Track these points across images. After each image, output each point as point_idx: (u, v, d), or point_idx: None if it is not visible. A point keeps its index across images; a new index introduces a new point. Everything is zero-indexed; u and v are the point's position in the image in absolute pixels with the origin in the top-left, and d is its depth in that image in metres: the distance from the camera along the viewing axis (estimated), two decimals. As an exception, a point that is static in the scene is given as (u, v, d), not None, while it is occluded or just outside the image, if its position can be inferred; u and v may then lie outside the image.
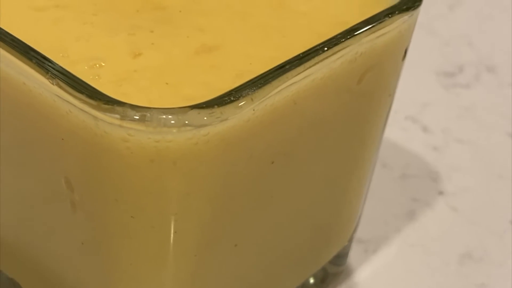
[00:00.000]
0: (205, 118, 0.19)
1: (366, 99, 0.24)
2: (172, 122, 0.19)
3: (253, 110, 0.20)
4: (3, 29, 0.21)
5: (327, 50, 0.21)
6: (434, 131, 0.41)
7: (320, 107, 0.23)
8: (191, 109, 0.19)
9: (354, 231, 0.30)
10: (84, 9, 0.24)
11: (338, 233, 0.29)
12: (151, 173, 0.20)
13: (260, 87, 0.19)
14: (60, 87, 0.19)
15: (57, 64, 0.19)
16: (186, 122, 0.19)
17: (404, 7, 0.24)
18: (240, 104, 0.19)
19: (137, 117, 0.18)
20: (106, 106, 0.18)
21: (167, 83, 0.21)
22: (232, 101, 0.19)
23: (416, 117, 0.42)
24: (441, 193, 0.37)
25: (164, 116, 0.18)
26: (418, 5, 0.24)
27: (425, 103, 0.43)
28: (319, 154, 0.24)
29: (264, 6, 0.25)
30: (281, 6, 0.25)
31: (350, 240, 0.30)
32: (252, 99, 0.19)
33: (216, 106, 0.19)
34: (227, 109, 0.19)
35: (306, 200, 0.25)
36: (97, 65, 0.21)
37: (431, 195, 0.37)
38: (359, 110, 0.25)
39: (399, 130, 0.41)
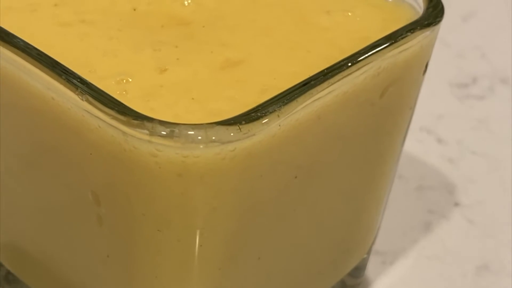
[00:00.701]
0: (232, 134, 0.19)
1: (387, 113, 0.25)
2: (200, 138, 0.19)
3: (279, 125, 0.20)
4: (32, 45, 0.21)
5: (350, 66, 0.21)
6: (449, 142, 0.41)
7: (343, 121, 0.23)
8: (219, 125, 0.19)
9: (373, 243, 0.31)
10: (110, 24, 0.24)
11: (358, 245, 0.29)
12: (179, 188, 0.20)
13: (286, 103, 0.20)
14: (90, 103, 0.19)
15: (87, 80, 0.20)
16: (214, 138, 0.19)
17: (426, 22, 0.24)
18: (266, 120, 0.19)
19: (166, 133, 0.19)
20: (135, 121, 0.19)
21: (193, 98, 0.21)
22: (259, 118, 0.19)
23: (431, 128, 0.42)
24: (457, 204, 0.37)
25: (192, 132, 0.19)
26: (439, 21, 0.24)
27: (439, 115, 0.43)
28: (340, 168, 0.24)
29: (287, 21, 0.25)
30: (304, 21, 0.25)
31: (369, 252, 0.30)
32: (278, 116, 0.19)
33: (243, 122, 0.19)
34: (254, 126, 0.19)
35: (328, 213, 0.25)
36: (124, 81, 0.22)
37: (447, 207, 0.37)
38: (381, 123, 0.25)
39: (414, 141, 0.41)
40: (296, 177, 0.22)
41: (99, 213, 0.22)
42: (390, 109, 0.25)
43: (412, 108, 0.26)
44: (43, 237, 0.26)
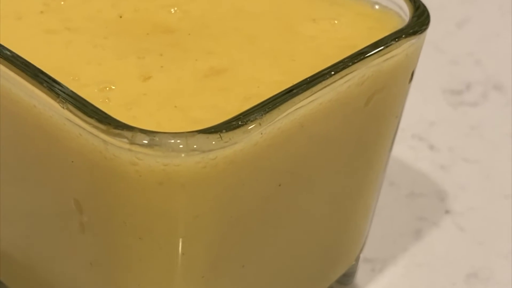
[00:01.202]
0: (213, 142, 0.19)
1: (373, 121, 0.25)
2: (181, 146, 0.19)
3: (261, 133, 0.20)
4: (14, 53, 0.21)
5: (334, 74, 0.21)
6: (441, 149, 0.41)
7: (327, 130, 0.23)
8: (200, 133, 0.19)
9: (361, 250, 0.30)
10: (95, 32, 0.24)
11: (345, 252, 0.29)
12: (160, 196, 0.20)
13: (268, 112, 0.20)
14: (71, 111, 0.19)
15: (68, 88, 0.20)
16: (195, 146, 0.19)
17: (411, 30, 0.24)
18: (248, 129, 0.19)
19: (146, 142, 0.19)
20: (115, 130, 0.19)
21: (176, 106, 0.21)
22: (240, 126, 0.19)
23: (423, 135, 0.42)
24: (448, 212, 0.37)
25: (172, 141, 0.19)
26: (425, 29, 0.24)
27: (432, 121, 0.43)
28: (326, 176, 0.24)
29: (273, 30, 0.25)
30: (289, 30, 0.25)
31: (357, 260, 0.30)
32: (260, 124, 0.19)
33: (224, 131, 0.19)
34: (236, 134, 0.19)
35: (314, 220, 0.25)
36: (107, 88, 0.22)
37: (438, 214, 0.37)
38: (366, 131, 0.25)
39: (406, 148, 0.41)
40: (280, 185, 0.22)
41: (82, 220, 0.22)
42: (375, 117, 0.25)
43: (398, 117, 0.26)
44: (28, 243, 0.26)
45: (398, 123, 0.27)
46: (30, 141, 0.22)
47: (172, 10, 0.25)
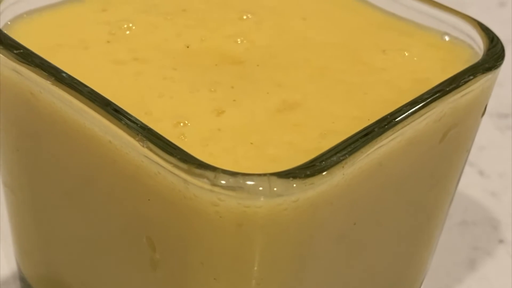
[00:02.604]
0: (295, 185, 0.18)
1: (446, 156, 0.24)
2: (262, 189, 0.18)
3: (343, 174, 0.19)
4: (89, 87, 0.20)
5: (414, 112, 0.21)
6: (491, 175, 0.40)
7: (403, 167, 0.22)
8: (282, 177, 0.18)
9: (422, 282, 0.30)
10: (164, 62, 0.24)
11: (409, 285, 0.28)
12: (239, 237, 0.19)
13: (351, 153, 0.19)
14: (151, 149, 0.19)
15: (148, 127, 0.19)
16: (276, 189, 0.18)
17: (487, 65, 0.23)
18: (331, 171, 0.19)
19: (228, 183, 0.18)
20: (197, 170, 0.18)
21: (251, 143, 0.21)
22: (323, 169, 0.19)
23: (472, 160, 0.41)
24: (501, 241, 0.36)
25: (255, 183, 0.18)
26: (501, 63, 0.24)
27: (481, 146, 0.42)
28: (397, 212, 0.24)
29: (342, 61, 0.25)
30: (359, 61, 0.25)
31: (417, 293, 0.30)
32: (343, 166, 0.19)
33: (308, 173, 0.18)
34: (319, 177, 0.19)
35: (381, 257, 0.25)
36: (182, 124, 0.21)
37: (492, 244, 0.36)
38: (439, 166, 0.24)
39: (456, 174, 0.40)
40: (355, 224, 0.22)
41: (153, 258, 0.21)
42: (448, 153, 0.24)
43: (468, 150, 0.25)
44: (87, 274, 0.25)
45: (467, 156, 0.26)
46: (104, 177, 0.21)
47: (239, 40, 0.25)
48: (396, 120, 0.20)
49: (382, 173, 0.21)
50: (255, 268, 0.20)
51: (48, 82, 0.21)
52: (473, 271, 0.35)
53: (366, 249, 0.23)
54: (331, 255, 0.22)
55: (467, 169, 0.42)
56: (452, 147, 0.24)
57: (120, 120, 0.19)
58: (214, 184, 0.18)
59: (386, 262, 0.25)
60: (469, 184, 0.40)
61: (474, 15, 0.59)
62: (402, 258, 0.26)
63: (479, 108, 0.24)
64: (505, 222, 0.38)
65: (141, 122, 0.19)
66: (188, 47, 0.25)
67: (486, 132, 0.44)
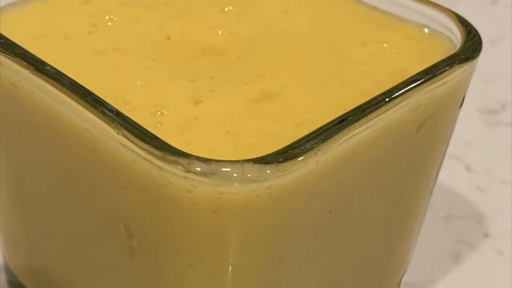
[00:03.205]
0: (268, 171, 0.19)
1: (423, 147, 0.24)
2: (236, 175, 0.18)
3: (316, 162, 0.20)
4: (68, 77, 0.21)
5: (388, 101, 0.21)
6: (478, 170, 0.40)
7: (378, 156, 0.23)
8: (256, 163, 0.19)
9: (403, 275, 0.30)
10: (144, 53, 0.24)
11: (389, 277, 0.28)
12: (213, 224, 0.19)
13: (324, 140, 0.19)
14: (126, 136, 0.19)
15: (123, 113, 0.19)
16: (250, 175, 0.19)
17: (464, 56, 0.23)
18: (303, 158, 0.19)
19: (202, 170, 0.18)
20: (171, 157, 0.18)
21: (227, 132, 0.21)
22: (296, 155, 0.19)
23: (459, 155, 0.41)
24: (486, 235, 0.36)
25: (229, 169, 0.18)
26: (478, 55, 0.24)
27: (468, 142, 0.42)
28: (375, 201, 0.24)
29: (322, 53, 0.25)
30: (338, 53, 0.25)
31: (399, 285, 0.30)
32: (316, 153, 0.19)
33: (280, 160, 0.19)
34: (292, 164, 0.19)
35: (360, 246, 0.25)
36: (159, 113, 0.21)
37: (477, 238, 0.36)
38: (416, 157, 0.24)
39: (443, 168, 0.40)
40: (330, 212, 0.22)
41: (131, 245, 0.21)
42: (425, 143, 0.24)
43: (447, 142, 0.26)
44: (70, 264, 0.26)
45: (446, 147, 0.26)
46: (81, 164, 0.21)
47: (220, 32, 0.25)
48: (370, 108, 0.21)
49: (357, 161, 0.21)
50: (231, 254, 0.20)
51: (27, 71, 0.21)
52: (458, 265, 0.35)
53: (343, 239, 0.23)
54: (307, 244, 0.22)
55: (454, 164, 0.42)
56: (429, 138, 0.24)
57: (96, 108, 0.20)
58: (187, 171, 0.19)
59: (364, 252, 0.25)
60: (456, 178, 0.40)
61: (466, 12, 0.59)
62: (381, 249, 0.26)
63: (456, 99, 0.24)
64: (491, 217, 0.38)
65: (116, 109, 0.19)
66: (169, 38, 0.25)
67: (474, 127, 0.44)
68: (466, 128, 0.44)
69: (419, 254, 0.35)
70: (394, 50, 0.25)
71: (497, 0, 0.59)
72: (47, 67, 0.21)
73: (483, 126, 0.44)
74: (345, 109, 0.22)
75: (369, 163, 0.22)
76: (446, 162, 0.42)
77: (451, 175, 0.40)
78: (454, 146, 0.43)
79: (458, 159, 0.41)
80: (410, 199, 0.26)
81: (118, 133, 0.19)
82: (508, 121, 0.45)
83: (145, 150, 0.19)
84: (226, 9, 0.26)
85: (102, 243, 0.23)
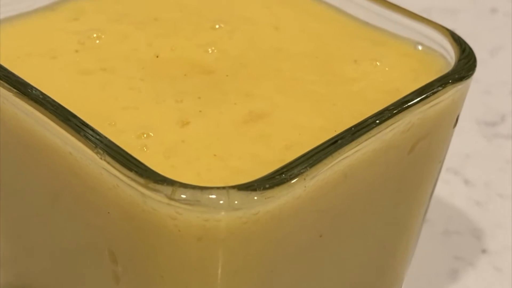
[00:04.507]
0: (255, 198, 0.18)
1: (416, 168, 0.24)
2: (221, 202, 0.18)
3: (305, 187, 0.19)
4: (50, 98, 0.20)
5: (379, 123, 0.21)
6: (476, 184, 0.40)
7: (370, 178, 0.22)
8: (241, 190, 0.18)
9: (398, 294, 0.30)
10: (132, 73, 0.23)
11: (382, 299, 0.28)
12: (198, 251, 0.19)
13: (312, 165, 0.19)
14: (108, 162, 0.19)
15: (106, 138, 0.19)
16: (236, 202, 0.18)
17: (457, 76, 0.23)
18: (291, 183, 0.19)
19: (186, 197, 0.18)
20: (155, 185, 0.18)
21: (215, 155, 0.21)
22: (283, 181, 0.18)
23: (457, 169, 0.41)
24: (484, 251, 0.36)
25: (214, 197, 0.18)
26: (472, 74, 0.23)
27: (466, 154, 0.42)
28: (366, 223, 0.24)
29: (313, 72, 0.24)
30: (330, 71, 0.24)
31: (393, 304, 0.29)
32: (304, 178, 0.19)
33: (267, 186, 0.18)
34: (278, 190, 0.18)
35: (353, 267, 0.24)
36: (145, 135, 0.21)
37: (474, 254, 0.36)
38: (409, 179, 0.24)
39: (440, 182, 0.40)
40: (321, 236, 0.21)
41: (116, 271, 0.21)
42: (418, 164, 0.24)
43: (441, 162, 0.25)
44: (56, 286, 0.25)
45: (441, 167, 0.26)
46: (65, 188, 0.21)
47: (210, 49, 0.25)
48: (360, 131, 0.20)
49: (347, 184, 0.21)
50: (217, 282, 0.20)
51: (10, 93, 0.21)
52: (455, 282, 0.34)
53: (334, 261, 0.23)
54: (297, 268, 0.22)
55: (452, 178, 0.41)
56: (422, 158, 0.24)
57: (78, 132, 0.19)
58: (171, 198, 0.18)
59: (356, 273, 0.25)
60: (454, 193, 0.40)
61: (466, 21, 0.59)
62: (373, 270, 0.26)
63: (450, 119, 0.24)
64: (489, 232, 0.37)
65: (99, 133, 0.19)
66: (157, 56, 0.24)
67: (473, 140, 0.44)
68: (465, 140, 0.44)
69: (415, 271, 0.35)
70: (387, 68, 0.25)
71: (496, 8, 0.58)
72: (30, 90, 0.21)
73: (482, 139, 0.44)
74: (335, 131, 0.21)
75: (360, 186, 0.22)
76: (444, 175, 0.41)
77: (449, 189, 0.40)
78: (452, 159, 0.42)
79: (456, 172, 0.40)
80: (403, 219, 0.25)
81: (101, 158, 0.19)
82: (508, 133, 0.44)
83: (128, 176, 0.18)
84: (217, 26, 0.26)
85: (87, 267, 0.22)
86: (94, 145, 0.19)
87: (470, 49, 0.24)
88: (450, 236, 0.37)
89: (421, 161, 0.24)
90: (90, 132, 0.19)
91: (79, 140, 0.19)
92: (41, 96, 0.20)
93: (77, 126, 0.19)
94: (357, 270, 0.25)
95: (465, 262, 0.36)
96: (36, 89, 0.21)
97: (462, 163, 0.42)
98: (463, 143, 0.45)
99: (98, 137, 0.19)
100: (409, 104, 0.21)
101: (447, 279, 0.35)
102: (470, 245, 0.37)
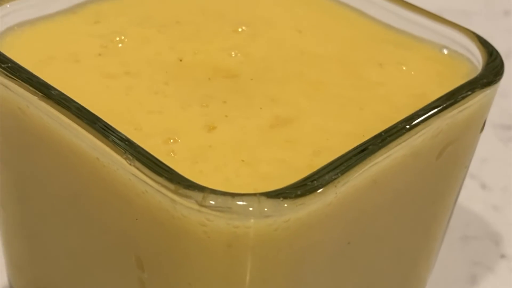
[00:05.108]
0: (286, 205, 0.18)
1: (443, 173, 0.23)
2: (252, 209, 0.18)
3: (335, 193, 0.19)
4: (76, 102, 0.20)
5: (409, 128, 0.20)
6: (494, 188, 0.40)
7: (398, 184, 0.22)
8: (273, 197, 0.18)
9: (419, 300, 0.29)
10: (155, 77, 0.23)
11: (405, 305, 0.28)
12: (228, 258, 0.19)
13: (344, 172, 0.19)
14: (138, 168, 0.18)
15: (136, 144, 0.19)
16: (266, 209, 0.18)
17: (486, 80, 0.23)
18: (322, 190, 0.18)
19: (217, 204, 0.18)
20: (185, 190, 0.18)
21: (243, 160, 0.20)
22: (314, 188, 0.18)
23: (474, 173, 0.40)
24: (503, 256, 0.35)
25: (244, 203, 0.18)
26: (500, 78, 0.23)
27: (483, 159, 0.41)
28: (393, 229, 0.23)
29: (338, 75, 0.24)
30: (355, 75, 0.24)
31: (415, 310, 0.29)
32: (335, 185, 0.18)
33: (298, 193, 0.18)
34: (310, 197, 0.18)
35: (378, 274, 0.24)
36: (172, 140, 0.21)
37: (493, 259, 0.35)
38: (436, 183, 0.24)
39: (457, 186, 0.40)
40: (349, 243, 0.21)
41: (142, 277, 0.21)
42: (445, 169, 0.23)
43: (467, 167, 0.25)
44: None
45: (466, 172, 0.26)
46: (91, 192, 0.21)
47: (233, 53, 0.24)
48: (391, 137, 0.20)
49: (376, 190, 0.21)
50: (246, 289, 0.20)
51: (35, 97, 0.20)
52: (474, 287, 0.34)
53: (360, 268, 0.23)
54: (325, 275, 0.21)
55: (469, 182, 0.41)
56: (450, 163, 0.23)
57: (107, 137, 0.19)
58: (202, 205, 0.18)
59: (382, 279, 0.24)
60: (471, 197, 0.39)
61: (479, 23, 0.59)
62: (398, 276, 0.25)
63: (478, 124, 0.24)
64: (507, 237, 0.37)
65: (128, 139, 0.19)
66: (181, 60, 0.24)
67: (489, 143, 0.44)
68: (480, 144, 0.43)
69: (435, 276, 0.34)
70: (412, 72, 0.24)
71: (509, 10, 0.58)
72: (54, 92, 0.20)
73: (498, 142, 0.43)
74: (363, 136, 0.21)
75: (388, 191, 0.22)
76: (461, 179, 0.41)
77: (466, 193, 0.39)
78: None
79: (473, 176, 0.40)
80: (429, 224, 0.25)
81: (130, 164, 0.18)
82: (523, 136, 0.44)
83: (157, 182, 0.18)
84: (240, 29, 0.26)
85: (111, 272, 0.22)
86: (123, 151, 0.19)
87: (497, 53, 0.24)
88: (468, 242, 0.37)
89: (449, 166, 0.23)
90: (119, 137, 0.19)
91: (108, 145, 0.19)
92: (66, 100, 0.20)
93: (105, 131, 0.19)
94: (381, 276, 0.25)
95: (484, 267, 0.36)
96: (61, 93, 0.20)
97: (479, 167, 0.42)
98: (479, 147, 0.44)
99: (127, 142, 0.19)
100: (438, 109, 0.21)
101: (467, 284, 0.34)
102: (488, 250, 0.37)
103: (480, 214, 0.38)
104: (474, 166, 0.43)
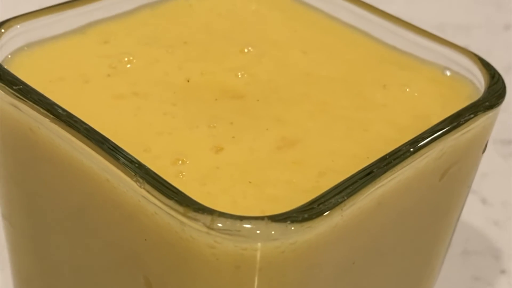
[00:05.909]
0: (293, 228, 0.18)
1: (446, 193, 0.24)
2: (259, 232, 0.18)
3: (341, 216, 0.19)
4: (88, 125, 0.20)
5: (414, 151, 0.21)
6: (494, 203, 0.40)
7: (402, 205, 0.22)
8: (280, 220, 0.18)
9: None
10: (164, 97, 0.23)
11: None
12: (236, 280, 0.19)
13: (350, 195, 0.19)
14: (148, 190, 0.19)
15: (146, 167, 0.19)
16: (273, 232, 0.18)
17: (488, 103, 0.23)
18: (329, 213, 0.19)
19: (225, 227, 0.18)
20: (194, 213, 0.18)
21: (250, 182, 0.21)
22: (321, 211, 0.19)
23: (474, 188, 0.41)
24: (503, 272, 0.36)
25: (253, 226, 0.18)
26: (502, 101, 0.23)
27: (483, 173, 0.42)
28: (397, 249, 0.24)
29: (343, 97, 0.24)
30: (360, 96, 0.25)
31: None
32: (341, 208, 0.19)
33: (306, 216, 0.18)
34: (317, 220, 0.18)
35: (380, 293, 0.25)
36: (180, 162, 0.21)
37: (493, 274, 0.36)
38: (439, 203, 0.24)
39: (457, 201, 0.40)
40: (354, 263, 0.22)
41: (150, 297, 0.21)
42: (448, 190, 0.24)
43: (469, 186, 0.25)
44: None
45: (468, 192, 0.26)
46: (100, 213, 0.21)
47: (239, 74, 0.25)
48: (396, 160, 0.20)
49: (381, 212, 0.21)
50: (253, 310, 0.20)
51: (47, 119, 0.21)
52: (475, 303, 0.35)
53: (365, 287, 0.23)
54: (330, 295, 0.22)
55: (470, 197, 0.41)
56: (453, 184, 0.24)
57: (117, 159, 0.19)
58: (210, 228, 0.18)
59: (385, 298, 0.25)
60: (472, 212, 0.40)
61: (479, 38, 0.59)
62: (402, 294, 0.26)
63: (480, 145, 0.24)
64: (507, 252, 0.37)
65: (138, 161, 0.19)
66: (188, 81, 0.24)
67: (489, 158, 0.44)
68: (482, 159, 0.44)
69: (436, 292, 0.35)
70: (416, 94, 0.25)
71: (509, 25, 0.58)
72: (63, 113, 0.21)
73: (498, 157, 0.44)
74: (368, 158, 0.22)
75: (393, 212, 0.22)
76: (461, 194, 0.41)
77: (466, 209, 0.39)
78: (469, 178, 0.42)
79: (474, 192, 0.40)
80: (432, 242, 0.26)
81: (140, 186, 0.19)
82: (523, 151, 0.44)
83: (167, 204, 0.18)
84: (246, 50, 0.26)
85: (120, 292, 0.23)
86: (133, 173, 0.19)
87: (499, 75, 0.24)
88: (469, 257, 0.37)
89: (452, 187, 0.24)
90: (129, 159, 0.19)
91: (117, 167, 0.19)
92: (77, 122, 0.20)
93: (115, 153, 0.19)
94: (385, 295, 0.25)
95: (485, 282, 0.36)
96: (70, 113, 0.21)
97: (479, 182, 0.42)
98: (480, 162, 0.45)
99: (137, 165, 0.19)
100: (442, 132, 0.22)
101: (467, 300, 0.35)
102: (489, 265, 0.37)
103: (481, 229, 0.39)
104: (475, 181, 0.43)
